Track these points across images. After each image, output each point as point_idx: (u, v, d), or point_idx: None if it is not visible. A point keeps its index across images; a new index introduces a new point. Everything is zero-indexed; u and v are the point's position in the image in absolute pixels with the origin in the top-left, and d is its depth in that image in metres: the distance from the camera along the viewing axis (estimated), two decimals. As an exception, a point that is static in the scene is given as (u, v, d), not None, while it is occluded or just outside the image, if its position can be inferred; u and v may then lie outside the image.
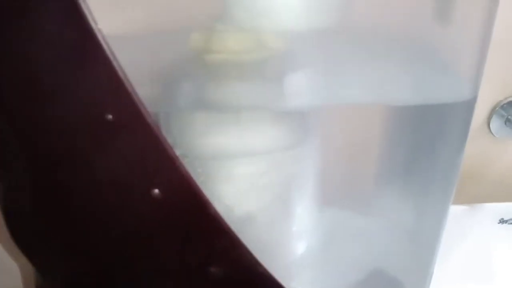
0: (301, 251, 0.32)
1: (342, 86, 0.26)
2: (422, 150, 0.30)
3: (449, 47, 0.28)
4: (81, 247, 0.27)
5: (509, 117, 0.62)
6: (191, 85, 0.29)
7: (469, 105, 0.28)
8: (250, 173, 0.30)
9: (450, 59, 0.28)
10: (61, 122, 0.23)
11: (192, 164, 0.29)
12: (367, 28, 0.28)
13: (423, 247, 0.34)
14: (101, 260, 0.28)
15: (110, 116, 0.23)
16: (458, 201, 0.58)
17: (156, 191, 0.24)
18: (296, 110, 0.28)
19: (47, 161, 0.25)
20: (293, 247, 0.32)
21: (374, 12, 0.28)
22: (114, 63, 0.22)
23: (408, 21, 0.29)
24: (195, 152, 0.29)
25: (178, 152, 0.29)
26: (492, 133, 0.63)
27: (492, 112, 0.62)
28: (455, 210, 0.58)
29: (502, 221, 0.59)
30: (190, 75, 0.30)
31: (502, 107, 0.62)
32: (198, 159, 0.29)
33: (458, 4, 0.29)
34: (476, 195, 0.63)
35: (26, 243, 0.28)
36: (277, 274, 0.28)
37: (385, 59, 0.28)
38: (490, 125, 0.63)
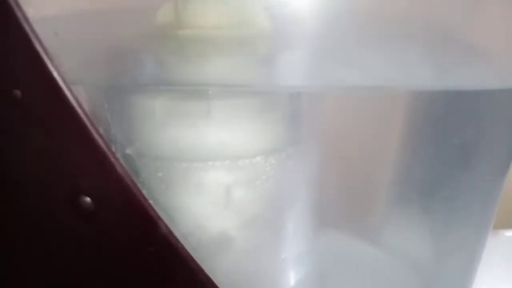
0: (289, 286, 0.24)
1: (344, 65, 0.19)
2: (451, 157, 0.23)
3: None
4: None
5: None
6: (155, 61, 0.23)
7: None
8: (226, 181, 0.23)
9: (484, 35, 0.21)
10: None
11: (151, 167, 0.23)
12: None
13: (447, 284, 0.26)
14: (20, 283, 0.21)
15: (18, 92, 0.16)
16: (506, 225, 0.49)
17: (87, 200, 0.18)
18: (285, 99, 0.21)
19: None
20: (280, 280, 0.25)
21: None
22: (28, 31, 0.15)
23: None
24: (154, 150, 0.22)
25: (131, 149, 0.23)
26: None
27: None
28: (502, 236, 0.50)
29: None
30: (155, 51, 0.23)
31: None
32: (158, 159, 0.22)
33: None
34: (503, 221, 0.55)
35: None
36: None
37: (401, 37, 0.21)
38: None
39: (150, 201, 0.18)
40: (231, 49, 0.23)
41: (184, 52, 0.23)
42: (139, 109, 0.22)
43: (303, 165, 0.23)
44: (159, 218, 0.18)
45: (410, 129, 0.24)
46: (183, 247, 0.19)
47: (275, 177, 0.23)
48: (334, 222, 0.27)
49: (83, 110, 0.16)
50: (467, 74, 0.21)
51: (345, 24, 0.19)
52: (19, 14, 0.15)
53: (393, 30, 0.21)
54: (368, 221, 0.28)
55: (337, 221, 0.26)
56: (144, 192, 0.21)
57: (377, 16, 0.19)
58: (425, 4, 0.20)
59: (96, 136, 0.16)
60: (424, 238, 0.26)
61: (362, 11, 0.19)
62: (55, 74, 0.16)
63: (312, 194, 0.25)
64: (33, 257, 0.20)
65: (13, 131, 0.17)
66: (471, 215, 0.24)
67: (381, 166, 0.25)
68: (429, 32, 0.21)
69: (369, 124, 0.23)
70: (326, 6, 0.18)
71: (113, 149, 0.17)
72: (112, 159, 0.17)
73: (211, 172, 0.22)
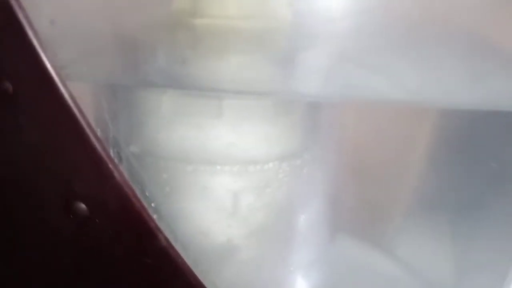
0: None
1: (370, 73, 0.17)
2: (479, 176, 0.21)
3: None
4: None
5: None
6: (166, 55, 0.21)
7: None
8: (234, 187, 0.21)
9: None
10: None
11: (155, 167, 0.21)
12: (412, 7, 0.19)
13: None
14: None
15: (8, 86, 0.14)
16: None
17: (82, 206, 0.16)
18: (304, 102, 0.20)
19: None
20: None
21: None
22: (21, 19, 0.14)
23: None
24: (159, 149, 0.21)
25: (136, 147, 0.21)
26: None
27: None
28: None
29: None
30: (167, 43, 0.21)
31: None
32: (163, 160, 0.21)
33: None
34: None
35: None
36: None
37: (433, 48, 0.19)
38: None
39: (151, 209, 0.17)
40: (249, 43, 0.21)
41: (199, 45, 0.21)
42: (144, 105, 0.20)
43: (319, 173, 0.22)
44: (158, 229, 0.16)
45: (435, 146, 0.23)
46: (183, 261, 0.17)
47: (288, 185, 0.21)
48: (348, 230, 0.25)
49: (79, 109, 0.15)
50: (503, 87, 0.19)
51: (376, 27, 0.17)
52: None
53: (429, 36, 0.18)
54: (385, 228, 0.26)
55: (352, 228, 0.24)
56: (147, 193, 0.19)
57: (412, 20, 0.17)
58: (465, 11, 0.18)
59: (93, 138, 0.15)
60: (445, 254, 0.24)
61: (397, 15, 0.17)
62: (50, 68, 0.14)
63: (327, 201, 0.23)
64: (28, 260, 0.19)
65: (3, 127, 0.15)
66: (497, 235, 0.23)
67: (400, 180, 0.23)
68: (468, 41, 0.19)
69: (392, 137, 0.21)
70: (358, 6, 0.16)
71: (112, 153, 0.16)
72: (110, 164, 0.15)
73: (218, 176, 0.21)
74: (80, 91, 0.15)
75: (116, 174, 0.15)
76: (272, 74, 0.19)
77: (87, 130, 0.15)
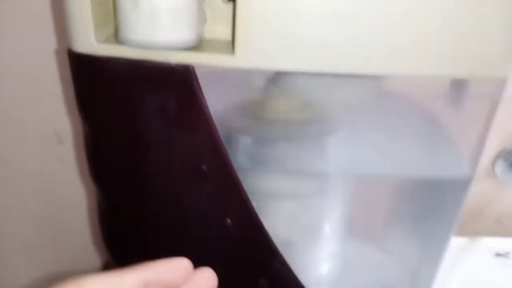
0: (324, 272, 0.41)
1: (365, 156, 0.35)
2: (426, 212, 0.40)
3: (457, 130, 0.36)
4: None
5: (512, 161, 0.68)
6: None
7: (466, 184, 0.36)
8: (292, 210, 0.39)
9: (457, 140, 0.37)
10: (169, 169, 0.32)
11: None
12: (392, 105, 0.37)
13: (423, 276, 0.43)
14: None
15: (204, 167, 0.32)
16: (461, 234, 0.66)
17: (228, 220, 0.34)
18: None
19: (150, 194, 0.34)
20: (319, 269, 0.41)
21: (402, 91, 0.36)
22: (213, 130, 0.31)
23: (427, 101, 0.37)
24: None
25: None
26: (496, 176, 0.70)
27: (497, 157, 0.69)
28: (458, 242, 0.67)
29: (498, 254, 0.68)
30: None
31: (507, 152, 0.69)
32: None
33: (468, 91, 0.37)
34: (478, 231, 0.72)
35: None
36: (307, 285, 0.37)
37: (404, 136, 0.37)
38: (495, 169, 0.70)
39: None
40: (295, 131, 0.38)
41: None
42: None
43: (338, 205, 0.40)
44: (267, 232, 0.34)
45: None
46: (275, 246, 0.35)
47: (320, 210, 0.39)
48: (354, 234, 0.43)
49: (236, 175, 0.32)
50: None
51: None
52: (210, 120, 0.31)
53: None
54: (378, 235, 0.44)
55: (356, 234, 0.42)
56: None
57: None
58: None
59: (241, 189, 0.32)
60: (411, 246, 0.42)
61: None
62: (227, 156, 0.32)
63: (342, 219, 0.41)
64: (192, 249, 0.36)
65: (199, 189, 0.33)
66: (438, 238, 0.41)
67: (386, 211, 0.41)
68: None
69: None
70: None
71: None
72: (248, 202, 0.33)
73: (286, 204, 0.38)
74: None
75: (250, 207, 0.33)
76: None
77: (240, 188, 0.32)
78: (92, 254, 0.63)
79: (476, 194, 0.72)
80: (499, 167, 0.70)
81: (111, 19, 0.30)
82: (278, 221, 0.39)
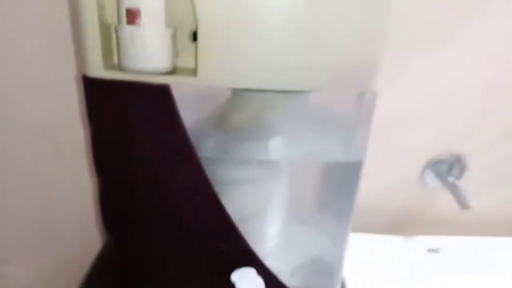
0: (271, 245, 0.54)
1: (298, 146, 0.49)
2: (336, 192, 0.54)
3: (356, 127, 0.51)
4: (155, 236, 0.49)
5: (439, 171, 0.79)
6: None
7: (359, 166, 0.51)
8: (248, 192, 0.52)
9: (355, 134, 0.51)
10: (154, 160, 0.45)
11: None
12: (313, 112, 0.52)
13: (339, 246, 0.56)
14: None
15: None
16: (398, 233, 0.76)
17: (198, 198, 0.47)
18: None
19: (140, 181, 0.47)
20: (268, 241, 0.54)
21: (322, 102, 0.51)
22: (184, 130, 0.44)
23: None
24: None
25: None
26: (425, 183, 0.81)
27: (426, 167, 0.80)
28: (395, 240, 0.78)
29: (430, 250, 0.79)
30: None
31: (434, 163, 0.79)
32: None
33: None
34: (412, 230, 0.84)
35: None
36: (258, 252, 0.49)
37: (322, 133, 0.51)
38: (424, 177, 0.81)
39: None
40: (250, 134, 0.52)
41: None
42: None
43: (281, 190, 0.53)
44: (223, 205, 0.47)
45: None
46: (233, 222, 0.47)
47: (269, 194, 0.52)
48: (293, 217, 0.56)
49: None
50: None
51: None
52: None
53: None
54: (306, 214, 0.57)
55: (292, 215, 0.56)
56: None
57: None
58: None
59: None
60: (330, 225, 0.56)
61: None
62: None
63: (284, 203, 0.54)
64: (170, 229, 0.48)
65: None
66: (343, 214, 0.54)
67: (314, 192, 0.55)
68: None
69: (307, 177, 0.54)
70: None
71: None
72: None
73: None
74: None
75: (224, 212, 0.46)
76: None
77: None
78: (85, 248, 0.71)
79: (410, 199, 0.84)
80: (428, 176, 0.80)
81: (112, 53, 0.44)
82: (233, 201, 0.51)
